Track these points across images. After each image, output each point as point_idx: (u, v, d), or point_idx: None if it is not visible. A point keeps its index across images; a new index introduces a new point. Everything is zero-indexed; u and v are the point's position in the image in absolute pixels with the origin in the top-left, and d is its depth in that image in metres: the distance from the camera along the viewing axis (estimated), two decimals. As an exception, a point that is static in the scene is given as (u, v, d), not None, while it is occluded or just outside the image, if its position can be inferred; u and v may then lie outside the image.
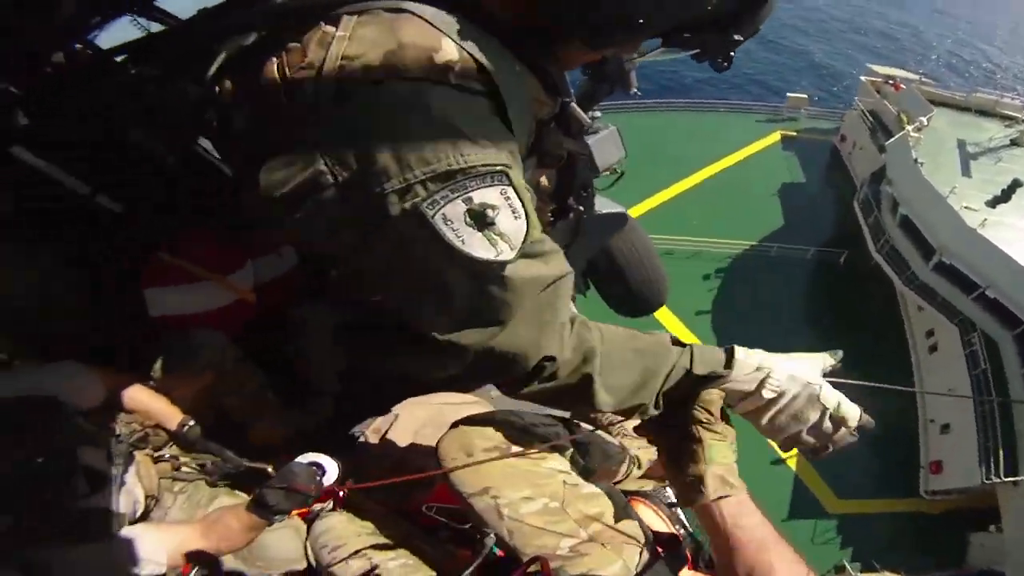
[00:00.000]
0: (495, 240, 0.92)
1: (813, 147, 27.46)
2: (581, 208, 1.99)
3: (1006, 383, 15.56)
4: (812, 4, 58.68)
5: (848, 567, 14.01)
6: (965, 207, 17.13)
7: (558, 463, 1.43)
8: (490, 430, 1.38)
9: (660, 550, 1.44)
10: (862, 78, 27.72)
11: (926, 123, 20.55)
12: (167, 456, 1.64)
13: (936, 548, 15.64)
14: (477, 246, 0.90)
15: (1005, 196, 18.29)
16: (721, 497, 1.27)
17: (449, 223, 0.88)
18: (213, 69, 1.05)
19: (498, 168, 0.91)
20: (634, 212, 18.49)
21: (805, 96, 29.57)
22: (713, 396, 1.34)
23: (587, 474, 1.52)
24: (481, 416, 1.43)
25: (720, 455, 1.33)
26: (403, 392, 1.96)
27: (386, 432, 1.88)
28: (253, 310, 1.81)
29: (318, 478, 1.44)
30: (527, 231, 0.96)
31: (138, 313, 1.70)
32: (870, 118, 24.81)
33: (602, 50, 1.18)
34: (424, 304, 1.02)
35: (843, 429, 1.45)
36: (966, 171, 19.65)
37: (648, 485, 2.08)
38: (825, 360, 1.46)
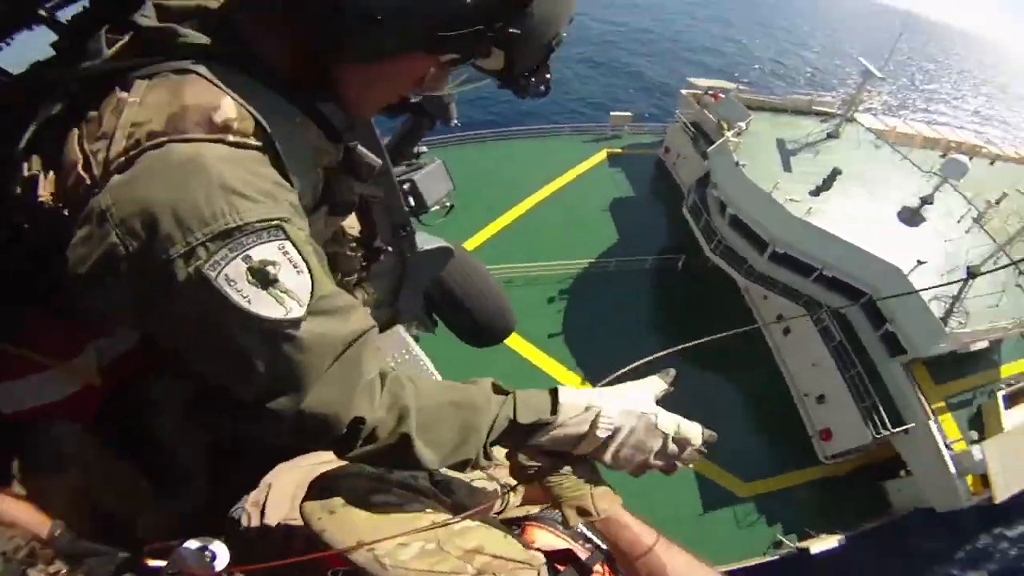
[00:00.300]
0: (281, 298, 0.94)
1: (639, 161, 28.81)
2: (400, 248, 2.16)
3: (864, 349, 17.31)
4: (640, 25, 63.17)
5: (784, 540, 15.48)
6: (789, 199, 18.35)
7: (421, 505, 1.44)
8: (347, 483, 1.39)
9: (560, 567, 1.50)
10: (682, 91, 29.30)
11: (745, 127, 21.88)
12: (63, 572, 1.43)
13: (855, 504, 16.99)
14: (264, 305, 0.92)
15: (826, 184, 19.98)
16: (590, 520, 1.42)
17: (232, 283, 0.90)
18: (23, 142, 1.06)
19: (274, 222, 0.94)
20: (469, 244, 20.14)
21: (628, 114, 30.89)
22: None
23: (459, 510, 1.52)
24: (334, 472, 1.46)
25: (568, 490, 1.44)
26: (272, 460, 1.89)
27: (264, 504, 1.80)
28: (102, 395, 1.67)
29: (209, 562, 1.30)
30: (312, 286, 0.98)
31: None
32: (692, 128, 26.38)
33: (376, 67, 1.17)
34: (229, 371, 1.01)
35: (689, 448, 1.51)
36: (787, 167, 21.13)
37: (535, 509, 2.12)
38: (656, 385, 1.56)
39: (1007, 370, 18.71)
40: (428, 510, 1.42)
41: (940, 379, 17.00)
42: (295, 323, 0.95)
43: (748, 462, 17.03)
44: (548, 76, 1.32)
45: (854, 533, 16.19)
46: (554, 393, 1.37)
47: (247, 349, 0.95)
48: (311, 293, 0.97)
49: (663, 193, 27.11)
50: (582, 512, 1.43)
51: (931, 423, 15.61)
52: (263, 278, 0.91)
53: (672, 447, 1.47)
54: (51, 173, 1.01)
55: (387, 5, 0.98)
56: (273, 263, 0.92)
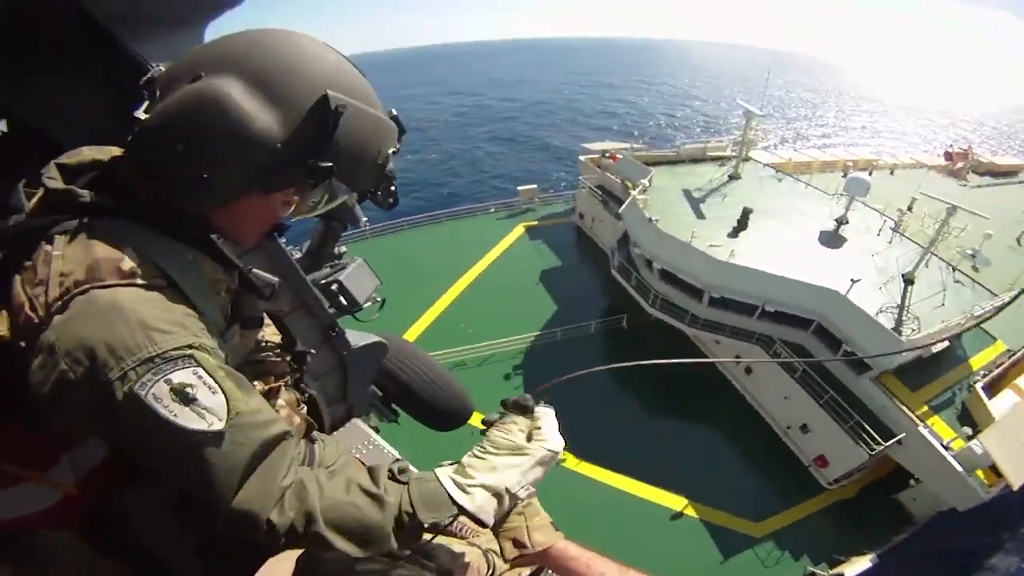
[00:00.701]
0: (202, 413, 1.12)
1: (556, 231, 29.96)
2: (334, 348, 2.61)
3: (828, 372, 17.82)
4: (533, 98, 66.35)
5: (816, 570, 15.41)
6: (711, 245, 18.69)
7: (405, 571, 1.52)
8: (331, 554, 1.37)
9: None
10: (580, 157, 30.72)
11: (648, 184, 22.60)
12: None
13: (876, 521, 17.04)
14: (188, 419, 1.10)
15: (742, 225, 20.61)
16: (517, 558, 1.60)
17: (159, 401, 1.08)
18: None
19: (187, 352, 1.14)
20: (411, 333, 21.41)
21: (534, 186, 32.37)
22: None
23: (448, 574, 1.72)
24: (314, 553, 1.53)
25: (505, 521, 1.64)
26: (263, 554, 1.83)
27: None
28: (80, 504, 1.67)
29: None
30: (228, 404, 1.16)
31: None
32: (599, 192, 27.57)
33: (232, 209, 1.39)
34: (171, 474, 1.19)
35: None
36: (699, 214, 21.72)
37: (525, 572, 2.08)
38: (522, 422, 1.66)
39: (976, 362, 19.08)
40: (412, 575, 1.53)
41: (914, 385, 17.19)
42: (218, 435, 1.12)
43: (755, 502, 17.12)
44: (393, 189, 1.51)
45: (884, 550, 15.98)
46: (444, 481, 1.41)
47: (180, 456, 1.11)
48: (227, 409, 1.14)
49: (588, 257, 27.96)
50: (517, 544, 1.58)
51: (921, 429, 15.71)
52: (184, 397, 1.10)
53: (551, 450, 1.57)
54: (3, 312, 1.20)
55: (208, 163, 1.22)
56: (190, 385, 1.11)
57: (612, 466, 17.48)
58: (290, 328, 2.17)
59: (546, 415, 1.68)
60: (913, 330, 16.25)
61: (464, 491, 1.39)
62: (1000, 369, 18.69)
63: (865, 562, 15.19)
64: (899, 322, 16.62)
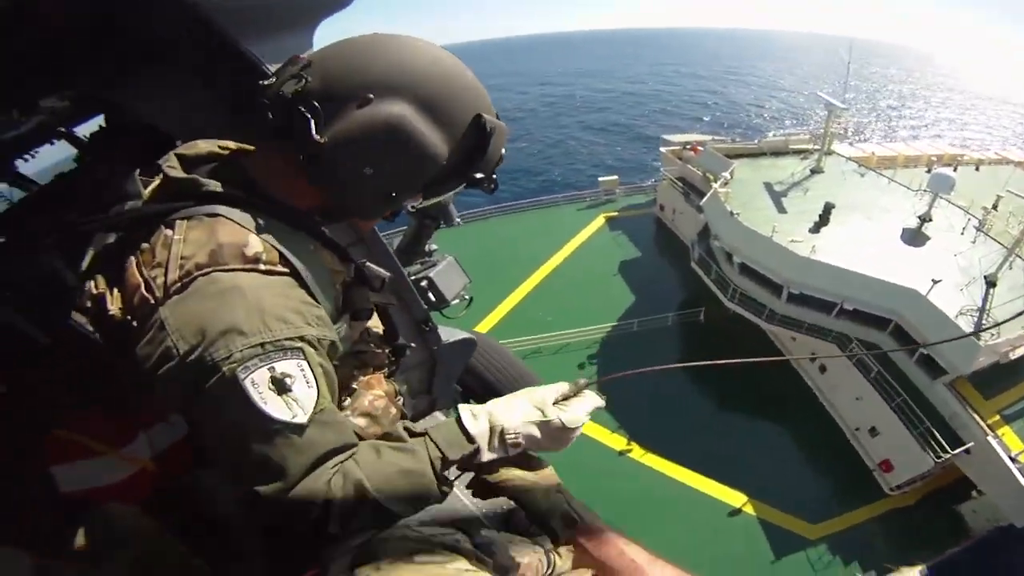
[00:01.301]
0: (291, 404, 1.18)
1: (637, 222, 30.40)
2: (426, 342, 2.57)
3: (903, 375, 17.71)
4: (622, 88, 66.03)
5: None
6: (792, 240, 19.37)
7: (464, 564, 1.47)
8: (391, 545, 1.42)
9: None
10: (661, 149, 31.17)
11: (730, 176, 23.33)
12: None
13: (931, 532, 16.92)
14: (276, 407, 1.16)
15: (823, 220, 21.08)
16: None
17: (256, 386, 1.14)
18: (85, 264, 1.40)
19: (297, 345, 1.21)
20: (489, 321, 22.29)
21: (615, 177, 32.78)
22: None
23: (504, 572, 1.60)
24: (379, 536, 1.46)
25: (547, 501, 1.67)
26: (322, 540, 1.83)
27: None
28: (155, 479, 1.87)
29: None
30: (317, 400, 1.23)
31: (40, 495, 1.76)
32: (680, 184, 28.04)
33: (375, 219, 1.72)
34: (233, 454, 1.21)
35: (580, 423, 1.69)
36: (781, 208, 22.37)
37: (587, 573, 2.05)
38: (564, 387, 1.73)
39: None
40: (469, 570, 1.47)
41: (989, 393, 17.08)
42: (299, 427, 1.19)
43: (813, 504, 17.42)
44: (495, 176, 1.60)
45: (936, 562, 15.80)
46: (458, 420, 1.54)
47: (252, 440, 1.16)
48: (315, 405, 1.22)
49: (667, 249, 28.36)
50: (567, 521, 1.64)
51: (991, 439, 15.70)
52: (280, 386, 1.16)
53: (565, 431, 1.64)
54: (115, 291, 1.29)
55: (393, 184, 1.39)
56: (291, 376, 1.18)
57: (676, 458, 18.18)
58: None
59: (587, 397, 1.74)
60: (993, 334, 16.26)
61: (474, 417, 1.52)
62: None
63: (915, 573, 14.57)
64: (978, 325, 16.81)
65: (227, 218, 1.27)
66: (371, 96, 1.30)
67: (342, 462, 1.31)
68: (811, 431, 19.62)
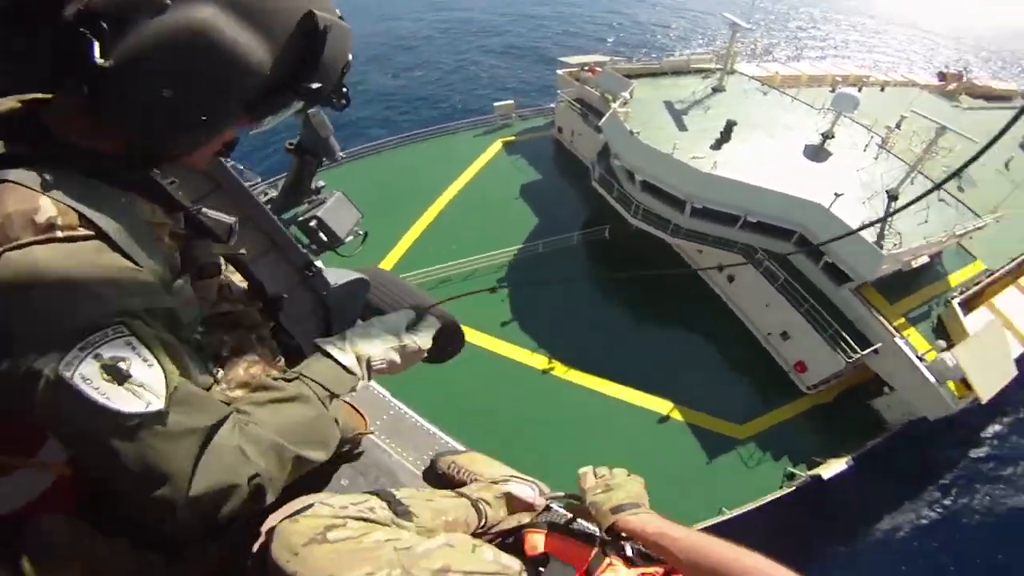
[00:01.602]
0: (139, 392, 1.03)
1: (535, 145, 29.98)
2: (312, 289, 2.48)
3: (809, 283, 18.80)
4: (521, 11, 65.24)
5: (796, 471, 16.38)
6: (693, 157, 19.10)
7: (382, 533, 1.57)
8: (301, 525, 1.51)
9: (542, 568, 1.74)
10: (559, 72, 30.52)
11: (629, 96, 22.74)
12: None
13: (851, 426, 18.25)
14: (123, 400, 1.01)
15: (725, 137, 20.97)
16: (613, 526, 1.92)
17: (88, 382, 0.98)
18: None
19: (118, 320, 1.05)
20: (393, 256, 21.90)
21: (511, 102, 32.07)
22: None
23: (429, 533, 1.78)
24: (289, 515, 1.58)
25: (476, 490, 2.43)
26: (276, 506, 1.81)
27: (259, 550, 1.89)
28: (74, 483, 1.66)
29: None
30: (166, 379, 1.08)
31: None
32: (578, 106, 27.57)
33: (196, 152, 1.37)
34: (105, 467, 1.06)
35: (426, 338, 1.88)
36: (681, 127, 22.02)
37: (526, 518, 2.50)
38: (411, 315, 1.91)
39: (955, 279, 20.18)
40: (389, 538, 1.54)
41: (893, 298, 18.23)
42: (160, 415, 1.04)
43: (737, 406, 18.23)
44: (345, 90, 1.44)
45: (859, 453, 17.07)
46: (326, 354, 1.58)
47: (115, 444, 1.00)
48: (165, 386, 1.06)
49: (567, 171, 28.18)
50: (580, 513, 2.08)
51: (897, 340, 16.75)
52: (116, 374, 1.00)
53: (418, 352, 1.81)
54: None
55: (200, 106, 1.16)
56: (123, 359, 1.01)
57: (598, 373, 18.31)
58: (262, 272, 2.10)
59: (430, 321, 1.92)
60: (895, 244, 17.05)
61: (341, 351, 1.58)
62: (978, 287, 19.71)
63: (841, 464, 16.18)
64: (881, 236, 17.39)
65: (14, 182, 1.08)
66: (167, 2, 1.06)
67: (247, 428, 1.26)
68: (726, 338, 20.36)
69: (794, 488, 16.01)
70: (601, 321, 20.13)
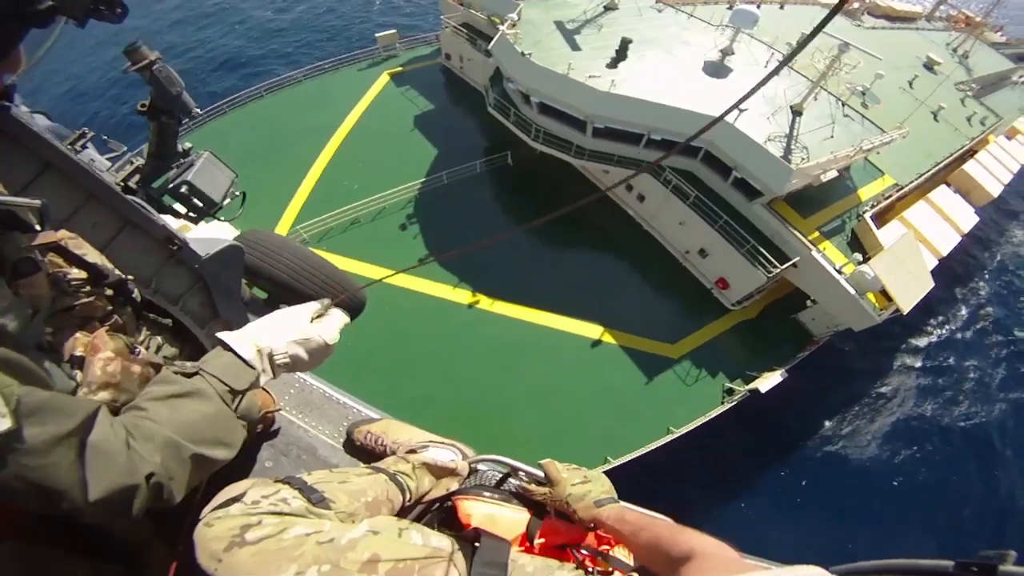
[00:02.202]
0: None
1: (424, 75, 29.38)
2: (181, 262, 2.35)
3: (720, 199, 18.99)
4: None
5: (733, 386, 17.13)
6: (590, 76, 18.40)
7: (301, 527, 1.49)
8: (219, 525, 1.43)
9: (476, 544, 1.74)
10: None
11: (517, 18, 21.74)
12: None
13: (780, 339, 19.22)
14: None
15: (620, 55, 20.32)
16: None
17: None
18: None
19: None
20: (295, 205, 20.93)
21: (394, 31, 31.10)
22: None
23: (350, 518, 1.75)
24: (205, 520, 1.47)
25: (394, 463, 2.40)
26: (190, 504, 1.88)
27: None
28: (15, 510, 1.62)
29: None
30: (3, 395, 1.01)
31: None
32: (464, 31, 26.72)
33: None
34: (6, 498, 1.06)
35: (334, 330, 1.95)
36: (575, 46, 21.12)
37: (454, 484, 2.56)
38: (315, 306, 1.99)
39: (864, 194, 20.62)
40: (309, 532, 1.47)
41: (806, 213, 18.54)
42: (14, 433, 1.00)
43: (667, 326, 18.71)
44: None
45: (791, 366, 17.67)
46: (230, 350, 1.66)
47: None
48: (6, 402, 1.00)
49: (461, 98, 27.77)
50: (559, 512, 2.25)
51: (815, 253, 17.07)
52: None
53: (326, 347, 1.88)
54: None
55: None
56: None
57: (524, 302, 18.26)
58: (118, 254, 2.01)
59: (336, 314, 2.02)
60: (803, 159, 16.90)
61: (242, 344, 1.66)
62: (888, 201, 20.22)
63: (776, 376, 16.65)
64: (788, 150, 17.29)
65: None
66: None
67: (136, 427, 1.31)
68: (644, 259, 20.57)
69: (735, 403, 16.45)
70: (519, 250, 19.90)
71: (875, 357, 22.94)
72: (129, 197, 2.28)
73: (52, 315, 1.58)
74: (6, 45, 1.21)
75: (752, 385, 16.52)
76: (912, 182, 21.91)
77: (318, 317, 1.91)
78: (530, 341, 17.41)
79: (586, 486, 2.21)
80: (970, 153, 27.04)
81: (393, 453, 2.79)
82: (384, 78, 28.61)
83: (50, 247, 1.68)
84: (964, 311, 26.86)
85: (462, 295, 18.39)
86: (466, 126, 25.89)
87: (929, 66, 34.06)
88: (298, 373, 3.74)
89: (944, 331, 25.46)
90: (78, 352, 1.63)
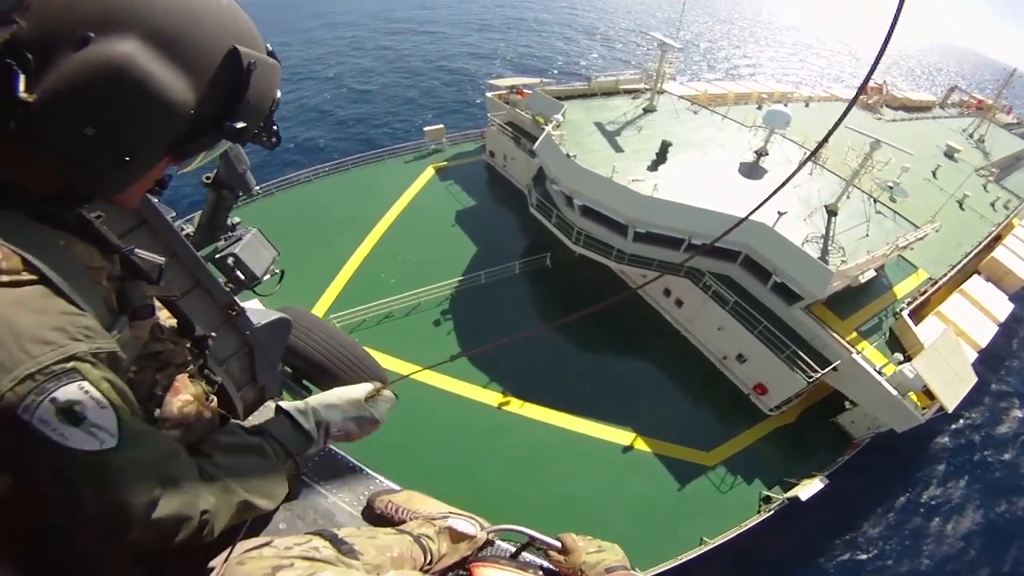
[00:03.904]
0: (95, 431, 1.08)
1: (468, 171, 29.73)
2: (236, 328, 2.62)
3: (759, 302, 18.78)
4: (427, 45, 65.23)
5: (771, 494, 16.42)
6: (633, 180, 18.85)
7: (331, 572, 1.62)
8: (251, 564, 1.57)
9: None
10: (487, 94, 30.34)
11: (562, 118, 22.41)
12: None
13: (819, 443, 18.62)
14: (80, 440, 1.06)
15: (661, 158, 20.97)
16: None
17: (47, 424, 1.02)
18: None
19: (71, 365, 1.07)
20: (330, 293, 20.81)
21: (441, 126, 31.76)
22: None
23: (376, 570, 1.91)
24: (238, 559, 1.63)
25: (418, 526, 2.52)
26: (194, 556, 1.93)
27: None
28: (6, 533, 1.59)
29: None
30: (118, 420, 1.13)
31: None
32: (509, 129, 27.30)
33: (124, 193, 1.32)
34: (69, 504, 1.13)
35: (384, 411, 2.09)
36: (617, 148, 21.85)
37: (469, 552, 2.63)
38: (368, 387, 2.08)
39: (900, 291, 20.60)
40: None
41: (843, 313, 18.40)
42: (115, 452, 1.10)
43: (702, 433, 18.09)
44: (275, 128, 1.46)
45: (832, 471, 17.15)
46: (292, 419, 1.84)
47: (75, 481, 1.08)
48: (118, 426, 1.12)
49: (503, 196, 27.85)
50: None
51: (855, 356, 16.79)
52: (72, 417, 1.04)
53: (374, 423, 2.02)
54: None
55: (123, 145, 1.13)
56: (78, 402, 1.05)
57: (555, 405, 17.82)
58: (187, 310, 2.08)
59: (387, 395, 2.09)
60: (842, 260, 17.06)
61: (303, 415, 1.80)
62: (923, 297, 20.14)
63: (816, 483, 16.14)
64: (825, 251, 17.52)
65: None
66: (90, 35, 1.05)
67: (201, 468, 1.42)
68: (680, 364, 20.11)
69: (772, 512, 15.90)
70: (553, 352, 19.61)
71: (918, 456, 22.34)
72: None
73: (141, 355, 1.69)
74: (198, 148, 1.31)
75: (792, 493, 16.07)
76: (945, 274, 21.93)
77: (370, 397, 2.02)
78: (559, 445, 16.95)
79: (600, 554, 2.26)
80: (997, 239, 27.02)
81: (412, 520, 2.89)
82: (429, 171, 29.02)
83: (163, 298, 1.86)
84: (1006, 403, 26.23)
85: (492, 396, 17.91)
86: (507, 224, 25.94)
87: (950, 154, 34.58)
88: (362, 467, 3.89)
89: (988, 424, 24.80)
90: (157, 391, 1.76)
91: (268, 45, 1.37)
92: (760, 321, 17.76)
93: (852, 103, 1.53)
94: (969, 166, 33.69)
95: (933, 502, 20.99)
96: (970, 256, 24.21)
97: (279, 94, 1.39)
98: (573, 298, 21.48)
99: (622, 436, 17.43)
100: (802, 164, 1.77)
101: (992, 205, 30.66)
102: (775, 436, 18.52)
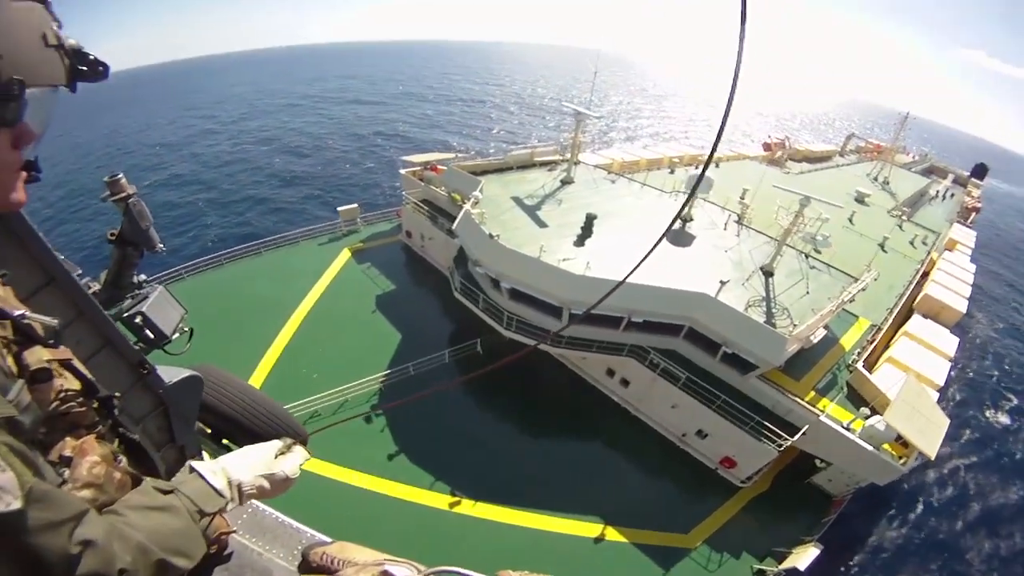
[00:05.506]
0: None
1: (385, 252, 28.66)
2: (147, 386, 2.42)
3: (711, 375, 17.68)
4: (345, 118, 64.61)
5: (763, 567, 15.56)
6: (564, 259, 17.60)
7: None
8: None
9: None
10: (401, 171, 29.48)
11: (480, 195, 21.26)
12: None
13: (798, 507, 17.76)
14: None
15: (587, 232, 19.90)
16: None
17: None
18: None
19: None
20: (255, 381, 19.22)
21: (355, 206, 30.59)
22: None
23: None
24: None
25: (355, 572, 2.38)
26: None
27: None
28: None
29: None
30: (19, 480, 1.08)
31: None
32: (425, 207, 26.25)
33: None
34: None
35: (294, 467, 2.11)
36: (540, 224, 20.60)
37: None
38: (278, 444, 2.13)
39: (846, 342, 20.03)
40: None
41: (797, 375, 17.61)
42: (20, 514, 1.05)
43: (676, 514, 17.06)
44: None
45: (821, 534, 16.28)
46: (204, 478, 1.78)
47: None
48: (19, 487, 1.06)
49: (423, 278, 26.74)
50: None
51: (821, 417, 16.07)
52: None
53: (287, 481, 2.04)
54: None
55: None
56: None
57: (512, 503, 16.31)
58: (95, 371, 1.90)
59: (298, 452, 2.17)
60: (791, 322, 16.34)
61: (214, 474, 1.81)
62: (872, 345, 19.71)
63: (812, 551, 15.24)
64: (770, 315, 16.71)
65: None
66: None
67: (113, 526, 1.34)
68: (639, 444, 18.97)
69: None
70: (501, 445, 18.09)
71: (900, 500, 21.91)
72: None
73: (48, 417, 1.55)
74: None
75: (788, 564, 15.08)
76: (885, 319, 21.72)
77: (282, 454, 2.04)
78: (524, 548, 15.32)
79: None
80: (924, 276, 27.55)
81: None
82: (345, 254, 27.92)
83: (62, 362, 1.70)
84: (978, 433, 26.41)
85: (439, 498, 16.35)
86: (430, 309, 24.67)
87: (860, 199, 35.60)
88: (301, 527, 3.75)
89: (966, 454, 24.88)
90: (66, 453, 1.61)
91: None
92: (718, 396, 16.69)
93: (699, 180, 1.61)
94: (881, 209, 34.75)
95: (929, 542, 20.57)
96: (904, 296, 24.29)
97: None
98: (510, 384, 20.30)
99: (590, 528, 16.06)
100: (672, 222, 2.21)
101: (911, 243, 31.42)
102: (753, 506, 17.54)
